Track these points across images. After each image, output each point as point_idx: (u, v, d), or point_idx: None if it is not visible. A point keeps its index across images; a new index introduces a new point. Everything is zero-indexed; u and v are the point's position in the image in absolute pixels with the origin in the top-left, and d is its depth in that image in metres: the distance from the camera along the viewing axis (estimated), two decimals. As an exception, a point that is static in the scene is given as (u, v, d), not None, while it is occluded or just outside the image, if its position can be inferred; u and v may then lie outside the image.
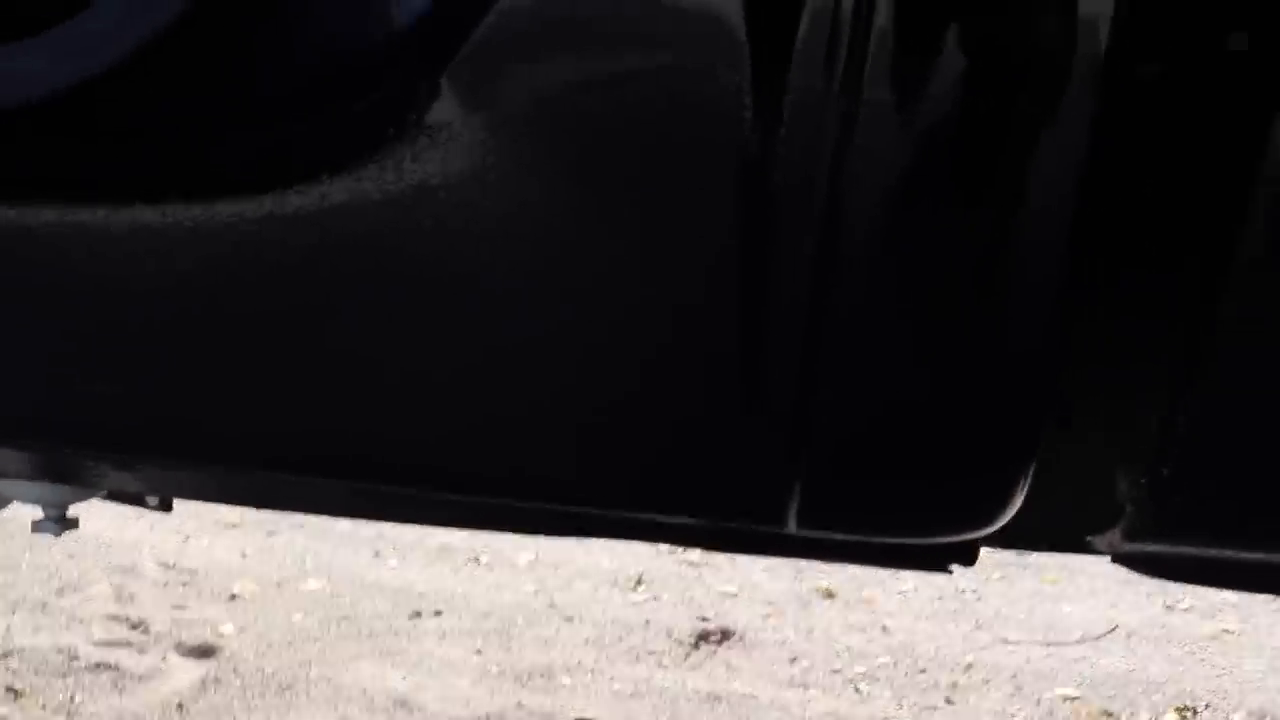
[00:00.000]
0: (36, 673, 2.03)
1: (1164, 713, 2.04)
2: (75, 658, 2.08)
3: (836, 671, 2.15)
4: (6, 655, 2.07)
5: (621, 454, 0.53)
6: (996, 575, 2.55)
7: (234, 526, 2.67)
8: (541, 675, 2.10)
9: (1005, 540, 0.70)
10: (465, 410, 0.53)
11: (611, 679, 2.10)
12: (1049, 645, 2.28)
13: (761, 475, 0.52)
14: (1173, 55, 0.50)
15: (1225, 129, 0.50)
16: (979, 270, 0.49)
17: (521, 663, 2.14)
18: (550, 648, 2.21)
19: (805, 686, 2.10)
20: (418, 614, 2.33)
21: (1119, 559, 0.72)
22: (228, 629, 2.22)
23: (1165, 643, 2.29)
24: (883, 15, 0.45)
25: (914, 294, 0.49)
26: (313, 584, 2.44)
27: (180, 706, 1.93)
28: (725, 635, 2.26)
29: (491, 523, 0.85)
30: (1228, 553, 0.56)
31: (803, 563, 2.51)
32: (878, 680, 2.13)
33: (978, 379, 0.50)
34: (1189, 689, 2.12)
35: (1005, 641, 2.29)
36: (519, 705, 2.00)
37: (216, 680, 2.02)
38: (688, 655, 2.19)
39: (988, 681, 2.14)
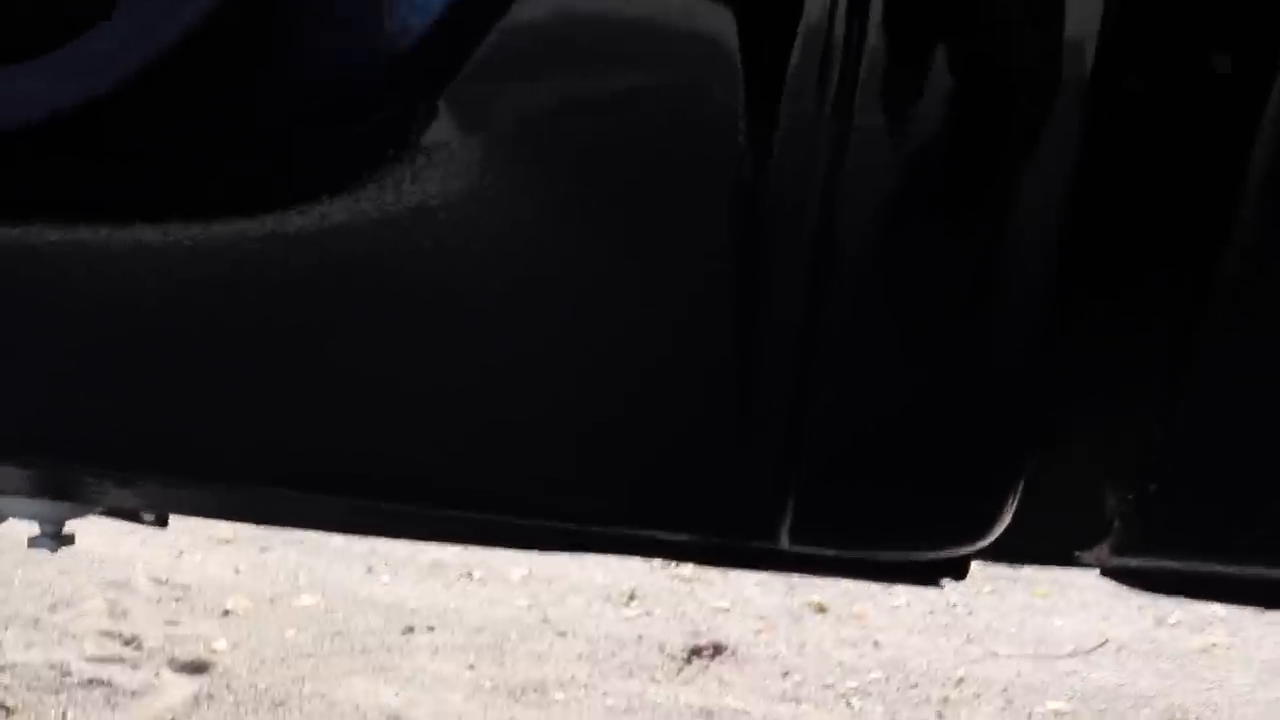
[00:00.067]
0: (29, 689, 2.02)
1: (1154, 726, 2.06)
2: (68, 674, 2.07)
3: (828, 686, 2.16)
4: (-1, 671, 2.07)
5: (617, 471, 0.54)
6: (987, 589, 2.55)
7: (227, 542, 2.67)
8: (534, 690, 2.10)
9: (995, 555, 0.71)
10: (464, 428, 0.54)
11: (604, 694, 2.10)
12: (1040, 659, 2.29)
13: (754, 492, 0.53)
14: (1157, 77, 0.52)
15: (1208, 152, 0.51)
16: (967, 291, 0.50)
17: (514, 678, 2.14)
18: (543, 663, 2.21)
19: (797, 701, 2.10)
20: (410, 629, 2.33)
21: (1108, 573, 0.73)
22: (221, 645, 2.22)
23: (1155, 656, 2.30)
24: (874, 39, 0.46)
25: (904, 314, 0.50)
26: (306, 600, 2.44)
27: (173, 722, 1.94)
28: (718, 650, 2.27)
29: (489, 539, 0.86)
30: (1214, 567, 0.57)
31: (795, 578, 2.51)
32: (869, 695, 2.13)
33: (967, 398, 0.51)
34: (1179, 702, 2.13)
35: (996, 655, 2.30)
36: (512, 720, 2.01)
37: (209, 696, 2.02)
38: (680, 670, 2.19)
39: (979, 695, 2.14)
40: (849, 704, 2.10)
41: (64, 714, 1.95)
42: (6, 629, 2.23)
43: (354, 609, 2.40)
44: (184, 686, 2.05)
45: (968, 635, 2.37)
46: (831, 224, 0.48)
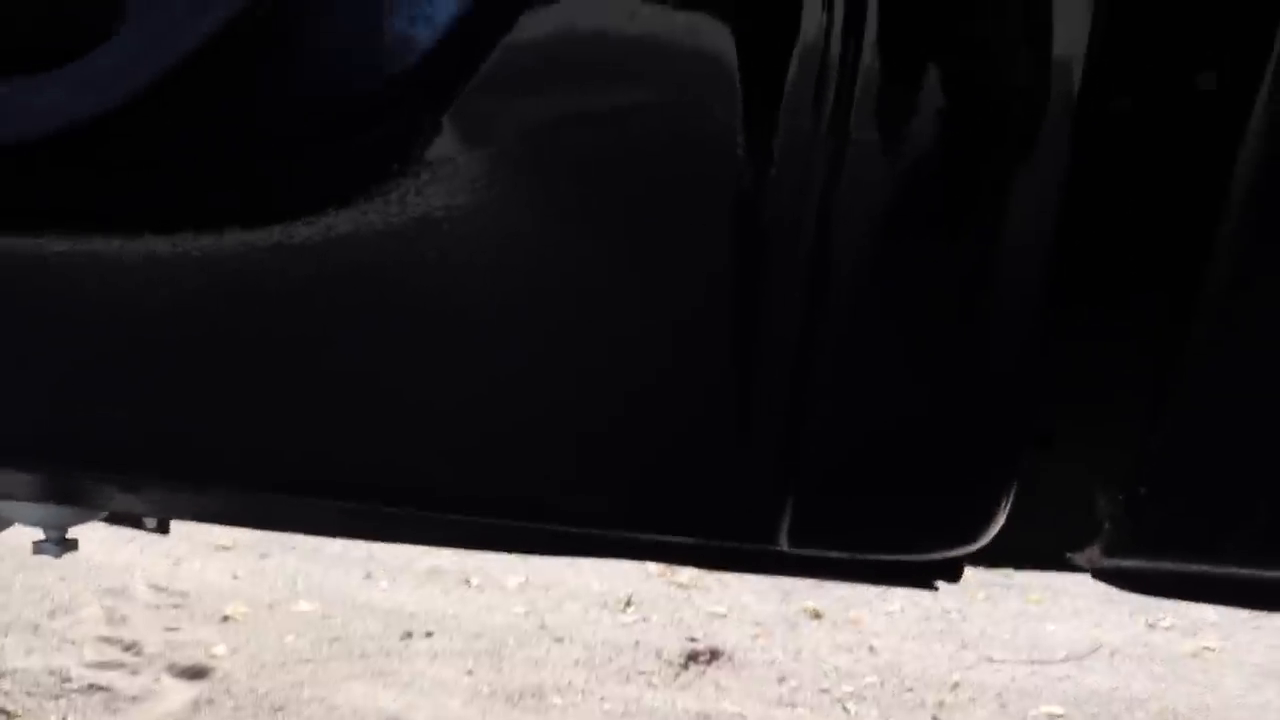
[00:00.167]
0: (29, 694, 2.02)
1: (1147, 729, 2.07)
2: (67, 679, 2.07)
3: (824, 691, 2.16)
4: (-1, 677, 2.07)
5: (619, 475, 0.55)
6: (981, 596, 2.56)
7: (226, 549, 2.67)
8: (532, 695, 2.11)
9: (989, 557, 0.72)
10: (467, 433, 0.55)
11: (602, 699, 2.11)
12: (1033, 664, 2.30)
13: (754, 495, 0.54)
14: (1142, 95, 0.53)
15: (1193, 164, 0.52)
16: (961, 300, 0.51)
17: (512, 683, 2.15)
18: (541, 668, 2.21)
19: (793, 705, 2.11)
20: (409, 635, 2.33)
21: (1099, 575, 0.74)
22: (220, 650, 2.22)
23: (1148, 661, 2.31)
24: (868, 59, 0.47)
25: (899, 322, 0.51)
26: (304, 606, 2.44)
27: (173, 728, 1.94)
28: (714, 655, 2.27)
29: (489, 543, 0.87)
30: (1203, 567, 0.58)
31: (790, 584, 2.52)
32: (865, 699, 2.14)
33: (961, 403, 0.52)
34: (1171, 706, 2.14)
35: (990, 660, 2.31)
36: (510, 725, 2.01)
37: (209, 701, 2.02)
38: (677, 675, 2.20)
39: (973, 700, 2.15)
40: (845, 709, 2.11)
41: (64, 719, 1.95)
42: (6, 635, 2.23)
43: (352, 614, 2.39)
44: (183, 692, 2.05)
45: (962, 641, 2.38)
46: (829, 235, 0.49)
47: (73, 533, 1.09)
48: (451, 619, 2.40)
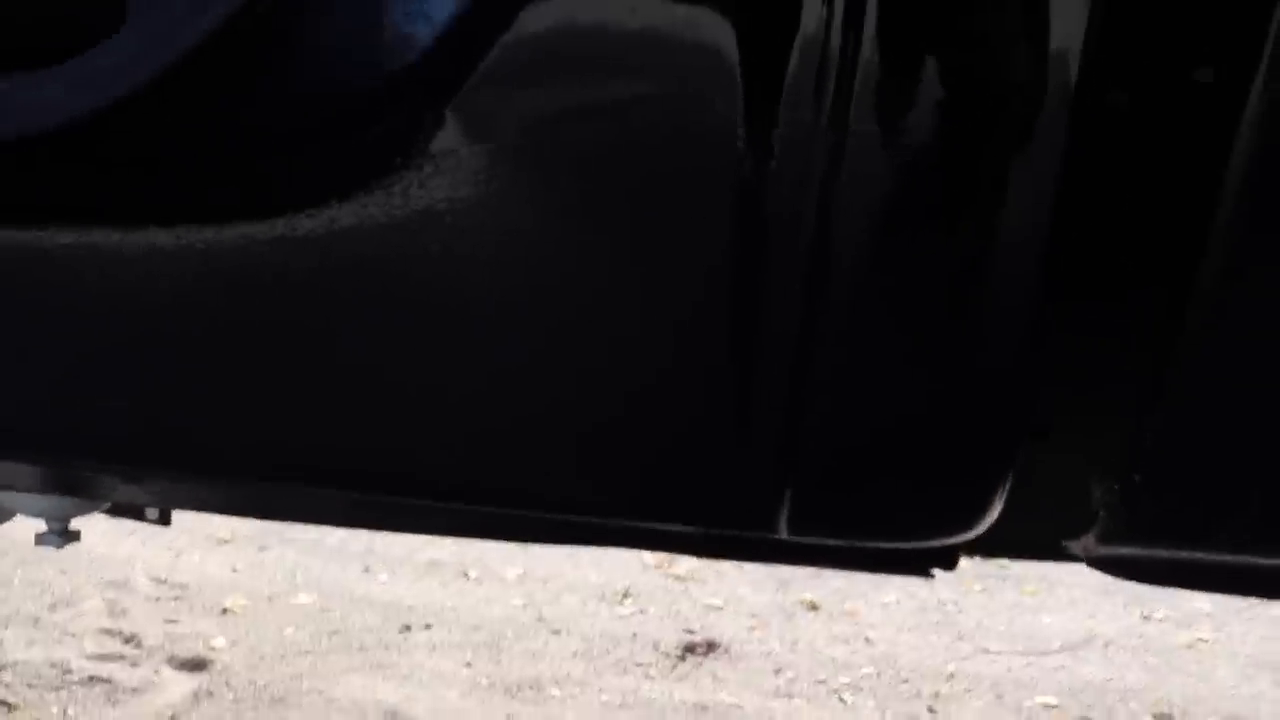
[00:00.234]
0: (30, 686, 2.03)
1: (1141, 719, 2.08)
2: (68, 671, 2.08)
3: (821, 682, 2.17)
4: (0, 669, 2.08)
5: (620, 465, 0.56)
6: (977, 587, 2.57)
7: (225, 542, 2.67)
8: (531, 687, 2.12)
9: (986, 547, 0.73)
10: (470, 425, 0.55)
11: (600, 690, 2.12)
12: (1029, 655, 2.31)
13: (754, 484, 0.54)
14: (1137, 88, 0.54)
15: (1188, 157, 0.52)
16: (959, 291, 0.51)
17: (511, 675, 2.16)
18: (539, 660, 2.22)
19: (790, 697, 2.12)
20: (408, 627, 2.34)
21: (1094, 563, 0.74)
22: (219, 643, 2.22)
23: (1142, 651, 2.32)
24: (868, 52, 0.48)
25: (898, 313, 0.51)
26: (303, 598, 2.44)
27: (173, 719, 1.94)
28: (711, 647, 2.28)
29: (492, 532, 0.87)
30: (1196, 555, 0.58)
31: (787, 576, 2.53)
32: (861, 690, 2.15)
33: (959, 393, 0.53)
34: (1165, 696, 2.15)
35: (986, 652, 2.32)
36: (508, 717, 2.02)
37: (209, 693, 2.03)
38: (674, 667, 2.21)
39: (969, 691, 2.16)
40: (841, 699, 2.12)
41: (65, 711, 1.95)
42: (7, 628, 2.24)
43: (351, 607, 2.40)
44: (183, 684, 2.06)
45: (958, 632, 2.39)
46: (828, 227, 0.49)
47: (74, 525, 1.09)
48: (450, 611, 2.40)
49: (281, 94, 0.53)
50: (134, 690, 2.03)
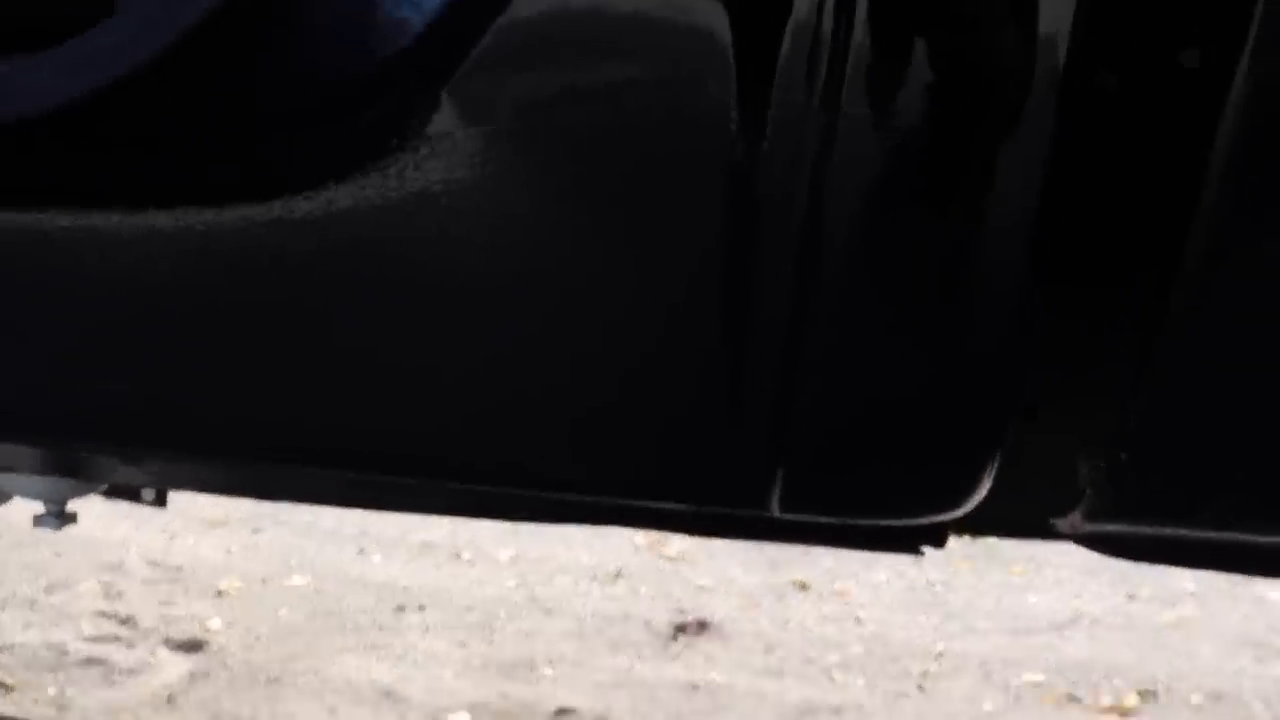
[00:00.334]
0: (27, 668, 2.04)
1: (1126, 696, 2.10)
2: (65, 653, 2.09)
3: (811, 661, 2.19)
4: (-4, 651, 2.09)
5: (615, 444, 0.56)
6: (965, 568, 2.59)
7: (219, 525, 2.67)
8: (524, 667, 2.13)
9: (975, 525, 0.74)
10: (468, 405, 0.56)
11: (592, 670, 2.13)
12: (1016, 634, 2.33)
13: (747, 462, 0.55)
14: (1125, 71, 0.54)
15: (1174, 141, 0.53)
16: (949, 273, 0.52)
17: (504, 655, 2.17)
18: (532, 640, 2.23)
19: (781, 675, 2.14)
20: (402, 608, 2.35)
21: (1080, 540, 0.76)
22: (215, 624, 2.23)
23: (1127, 630, 2.35)
24: (860, 34, 0.48)
25: (889, 293, 0.52)
26: (298, 580, 2.45)
27: (170, 699, 1.95)
28: (703, 627, 2.30)
29: (488, 511, 0.88)
30: (1180, 532, 0.59)
31: (778, 556, 2.55)
32: (851, 669, 2.17)
33: (949, 372, 0.53)
34: (1150, 673, 2.18)
35: (974, 630, 2.34)
36: (502, 696, 2.03)
37: (205, 674, 2.04)
38: (666, 646, 2.22)
39: (958, 669, 2.18)
40: (831, 678, 2.14)
41: (63, 692, 1.96)
42: (4, 610, 2.24)
43: (345, 588, 2.41)
44: (180, 664, 2.07)
45: (946, 611, 2.41)
46: (820, 209, 0.50)
47: (70, 507, 1.10)
48: (444, 592, 2.41)
49: (280, 75, 0.54)
50: (130, 671, 2.04)
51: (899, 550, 0.81)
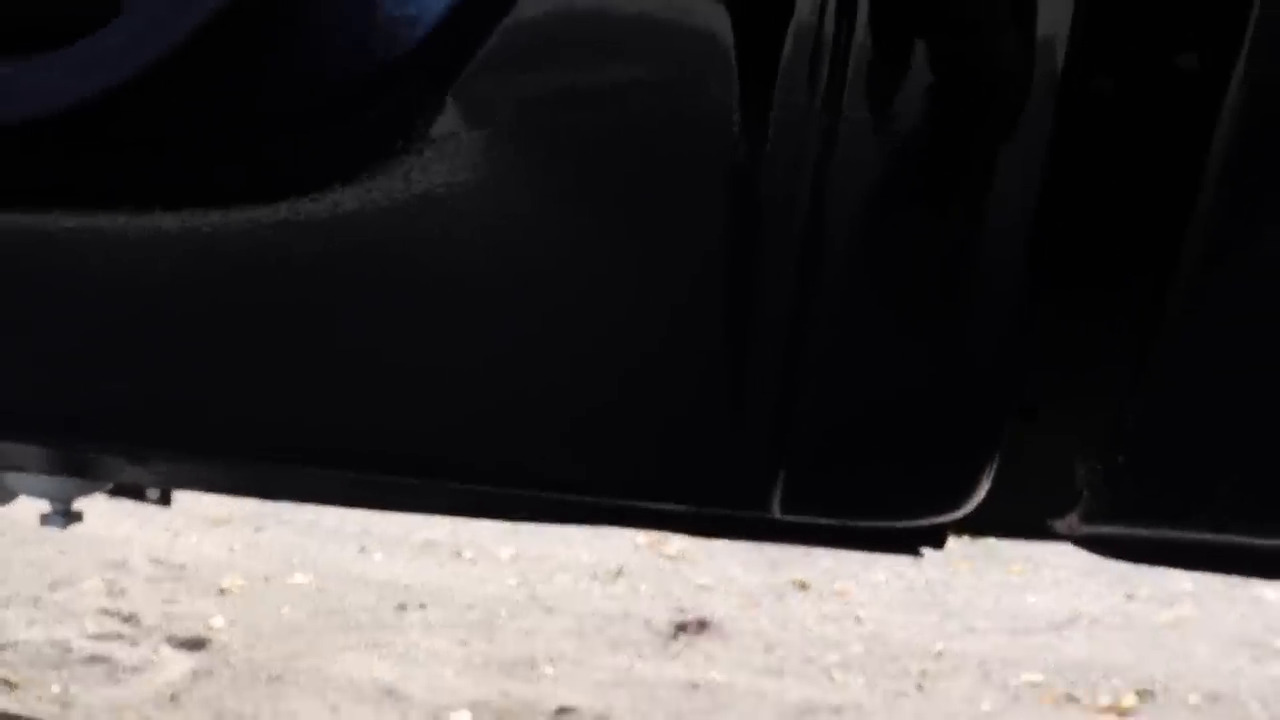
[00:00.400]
0: (31, 665, 2.04)
1: (1124, 695, 2.11)
2: (69, 650, 2.09)
3: (811, 660, 2.20)
4: (1, 649, 2.09)
5: (618, 446, 0.57)
6: (964, 568, 2.59)
7: (222, 523, 2.68)
8: (524, 665, 2.13)
9: (974, 526, 0.74)
10: (471, 405, 0.56)
11: (592, 668, 2.14)
12: (1015, 633, 2.33)
13: (748, 464, 0.55)
14: (1123, 75, 0.55)
15: (1171, 144, 0.53)
16: (949, 276, 0.53)
17: (505, 653, 2.18)
18: (532, 638, 2.24)
19: (781, 674, 2.14)
20: (403, 607, 2.35)
21: (1078, 541, 0.76)
22: (218, 622, 2.24)
23: (1125, 630, 2.35)
24: (861, 37, 0.49)
25: (890, 296, 0.53)
26: (300, 578, 2.46)
27: (173, 697, 1.96)
28: (703, 626, 2.30)
29: (490, 511, 0.89)
30: (1176, 533, 0.59)
31: (778, 556, 2.55)
32: (851, 668, 2.17)
33: (948, 375, 0.54)
34: (1148, 673, 2.18)
35: (973, 630, 2.34)
36: (503, 694, 2.04)
37: (208, 671, 2.05)
38: (666, 645, 2.23)
39: (957, 668, 2.19)
40: (830, 677, 2.14)
41: (66, 689, 1.97)
42: (8, 608, 2.25)
43: (348, 587, 2.41)
44: (182, 662, 2.07)
45: (946, 611, 2.41)
46: (821, 211, 0.50)
47: (74, 506, 1.10)
48: (445, 591, 2.42)
49: (287, 76, 0.54)
50: (134, 669, 2.05)
51: (898, 551, 0.82)
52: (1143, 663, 2.21)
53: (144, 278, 0.56)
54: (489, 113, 0.51)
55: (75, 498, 1.09)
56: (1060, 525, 0.70)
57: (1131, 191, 0.57)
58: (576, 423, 0.56)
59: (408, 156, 0.52)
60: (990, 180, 0.51)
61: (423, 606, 2.35)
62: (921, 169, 0.51)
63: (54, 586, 2.34)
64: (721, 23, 0.49)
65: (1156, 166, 0.55)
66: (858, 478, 0.57)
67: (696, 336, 0.53)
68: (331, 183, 0.53)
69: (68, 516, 1.11)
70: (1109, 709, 2.07)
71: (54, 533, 1.11)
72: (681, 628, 2.29)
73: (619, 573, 2.53)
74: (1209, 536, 0.60)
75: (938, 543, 0.80)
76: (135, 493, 1.15)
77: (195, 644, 2.14)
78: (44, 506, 1.11)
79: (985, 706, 2.06)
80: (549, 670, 2.12)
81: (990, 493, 0.57)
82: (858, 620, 2.36)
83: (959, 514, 0.58)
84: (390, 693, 2.01)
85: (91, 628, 2.19)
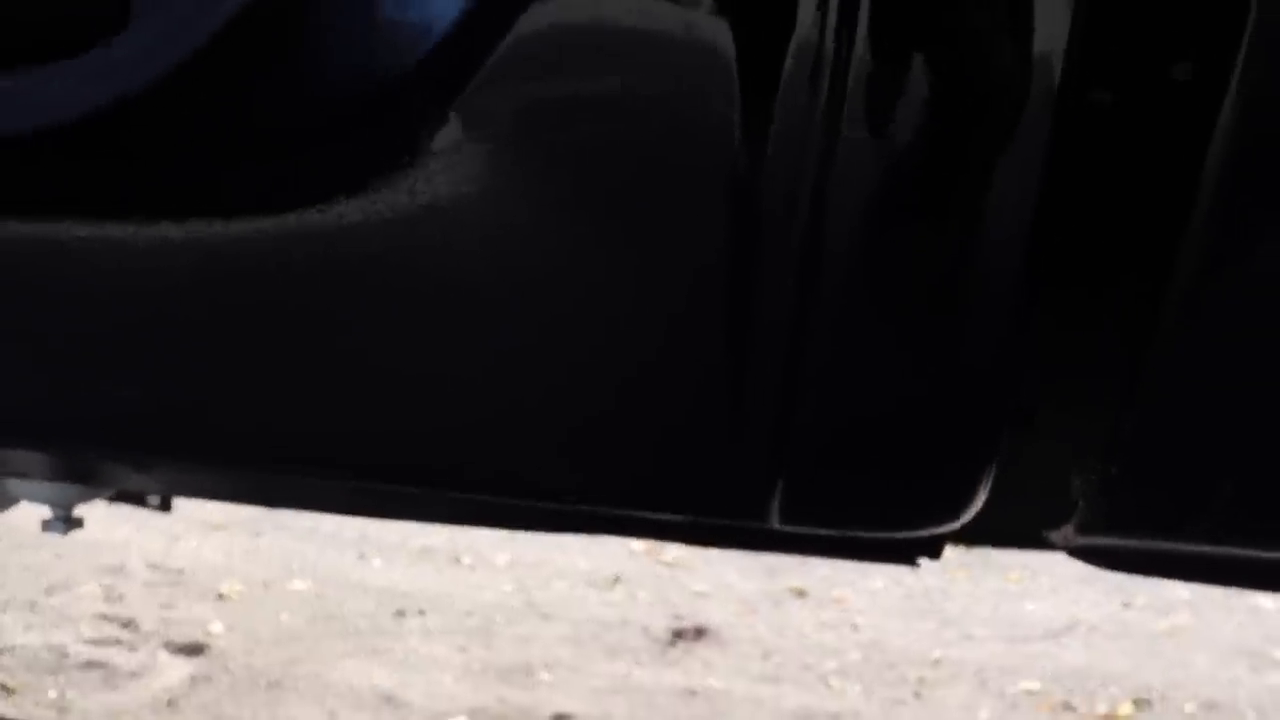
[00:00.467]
0: (28, 670, 2.04)
1: (1121, 704, 2.11)
2: (66, 655, 2.09)
3: (808, 667, 2.20)
4: (-2, 654, 2.09)
5: (617, 455, 0.57)
6: (962, 575, 2.60)
7: (220, 528, 2.68)
8: (522, 672, 2.14)
9: (970, 536, 0.75)
10: (472, 415, 0.57)
11: (589, 675, 2.14)
12: (1012, 641, 2.34)
13: (747, 475, 0.56)
14: (1117, 91, 0.56)
15: (1165, 155, 0.54)
16: (946, 288, 0.53)
17: (502, 660, 2.18)
18: (530, 645, 2.24)
19: (778, 682, 2.14)
20: (402, 613, 2.35)
21: (1074, 552, 0.76)
22: (216, 628, 2.24)
23: (1122, 638, 2.35)
24: (860, 52, 0.50)
25: (888, 308, 0.53)
26: (299, 584, 2.46)
27: (171, 703, 1.96)
28: (700, 633, 2.30)
29: (490, 520, 0.89)
30: (1171, 545, 0.60)
31: (775, 563, 2.56)
32: (848, 676, 2.18)
33: (945, 387, 0.54)
34: (1145, 681, 2.18)
35: (971, 638, 2.35)
36: (500, 700, 2.04)
37: (206, 677, 2.05)
38: (664, 652, 2.23)
39: (954, 676, 2.19)
40: (828, 684, 2.14)
41: (63, 694, 1.97)
42: (4, 612, 2.24)
43: (346, 593, 2.41)
44: (181, 668, 2.07)
45: (943, 619, 2.42)
46: (820, 223, 0.51)
47: (75, 512, 1.11)
48: (443, 597, 2.42)
49: (296, 87, 0.54)
50: (132, 674, 2.05)
51: (896, 561, 0.82)
52: (1140, 671, 2.21)
53: (150, 287, 0.56)
54: (492, 125, 0.52)
55: (77, 504, 1.09)
56: (1056, 536, 0.70)
57: (1126, 204, 0.58)
58: (578, 432, 0.56)
59: (412, 168, 0.52)
60: (988, 194, 0.51)
61: (421, 613, 2.35)
62: (920, 182, 0.51)
63: (51, 591, 2.34)
64: (724, 37, 0.49)
65: (1151, 178, 0.55)
66: (856, 489, 0.58)
67: (696, 347, 0.54)
68: (336, 195, 0.53)
69: (69, 522, 1.11)
70: (1106, 717, 2.07)
71: (50, 537, 1.11)
72: (679, 635, 2.29)
73: (616, 579, 2.53)
74: (1205, 548, 0.60)
75: (935, 553, 0.81)
76: (136, 499, 1.16)
77: (193, 650, 2.14)
78: (44, 512, 1.11)
79: (983, 714, 2.07)
80: (546, 677, 2.12)
81: (987, 503, 0.58)
82: (855, 627, 2.36)
83: (956, 525, 0.58)
84: (388, 699, 2.01)
85: (89, 633, 2.19)
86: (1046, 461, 0.64)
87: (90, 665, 2.07)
